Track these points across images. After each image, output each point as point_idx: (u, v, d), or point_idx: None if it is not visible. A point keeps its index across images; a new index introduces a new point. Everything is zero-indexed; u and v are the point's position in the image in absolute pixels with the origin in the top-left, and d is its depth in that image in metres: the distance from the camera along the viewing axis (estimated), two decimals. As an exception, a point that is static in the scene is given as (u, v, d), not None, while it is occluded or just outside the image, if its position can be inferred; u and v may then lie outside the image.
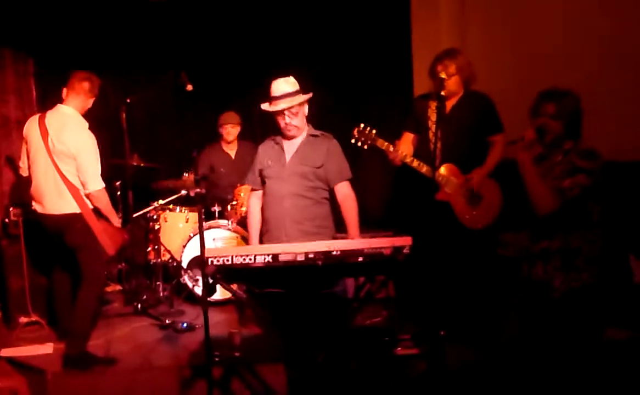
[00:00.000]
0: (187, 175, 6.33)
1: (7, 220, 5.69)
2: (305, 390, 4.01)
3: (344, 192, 4.31)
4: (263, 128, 7.53)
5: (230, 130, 6.59)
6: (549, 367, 3.50)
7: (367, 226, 4.29)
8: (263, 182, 4.42)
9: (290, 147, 4.34)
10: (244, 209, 6.01)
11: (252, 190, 4.53)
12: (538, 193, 3.46)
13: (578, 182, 3.37)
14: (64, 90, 4.79)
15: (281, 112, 4.21)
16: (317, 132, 4.40)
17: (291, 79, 4.29)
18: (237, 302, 5.51)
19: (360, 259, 3.33)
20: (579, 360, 3.45)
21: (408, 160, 4.58)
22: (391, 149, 4.58)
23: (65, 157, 4.64)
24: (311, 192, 4.28)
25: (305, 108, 4.32)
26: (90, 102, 4.87)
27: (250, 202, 4.52)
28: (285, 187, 4.25)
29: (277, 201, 4.27)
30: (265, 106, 4.30)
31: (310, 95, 4.30)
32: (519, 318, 3.67)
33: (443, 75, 4.45)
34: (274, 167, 4.33)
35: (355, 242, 3.65)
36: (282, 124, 4.28)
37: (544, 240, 3.54)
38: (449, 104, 4.66)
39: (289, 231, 4.18)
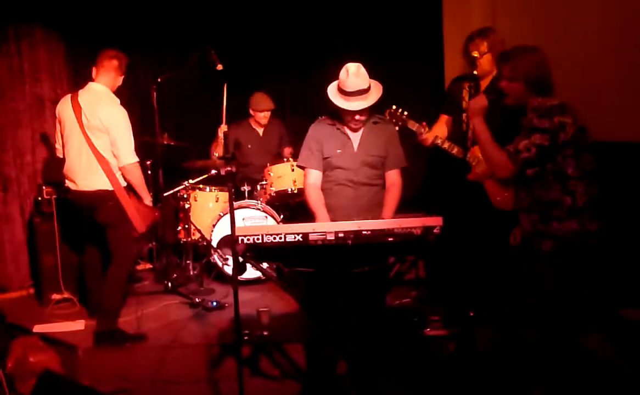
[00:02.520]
0: (216, 154, 6.34)
1: (40, 198, 5.79)
2: (327, 369, 4.01)
3: (394, 179, 4.24)
4: (293, 107, 7.55)
5: (266, 115, 6.59)
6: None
7: (400, 207, 4.25)
8: None
9: (354, 135, 4.19)
10: (273, 188, 6.01)
11: (308, 169, 4.26)
12: (492, 158, 3.43)
13: (534, 142, 3.26)
14: (94, 69, 4.82)
15: (352, 111, 4.06)
16: (377, 118, 4.28)
17: (362, 70, 4.06)
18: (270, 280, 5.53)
19: (391, 239, 3.30)
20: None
21: (438, 142, 4.54)
22: (422, 130, 4.54)
23: (99, 132, 4.67)
24: (378, 179, 4.22)
25: None
26: (120, 80, 4.89)
27: (310, 183, 4.24)
28: (355, 176, 4.16)
29: (345, 190, 4.17)
30: (334, 96, 4.08)
31: (381, 90, 4.09)
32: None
33: (475, 54, 4.39)
34: (342, 156, 4.17)
35: (385, 222, 3.62)
36: (350, 121, 4.12)
37: (518, 201, 3.52)
38: (483, 84, 4.58)
39: (358, 219, 3.94)
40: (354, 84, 4.00)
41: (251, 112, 6.59)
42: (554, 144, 3.25)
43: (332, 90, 4.11)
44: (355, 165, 4.16)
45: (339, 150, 4.17)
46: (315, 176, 4.23)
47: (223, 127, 6.20)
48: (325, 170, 4.23)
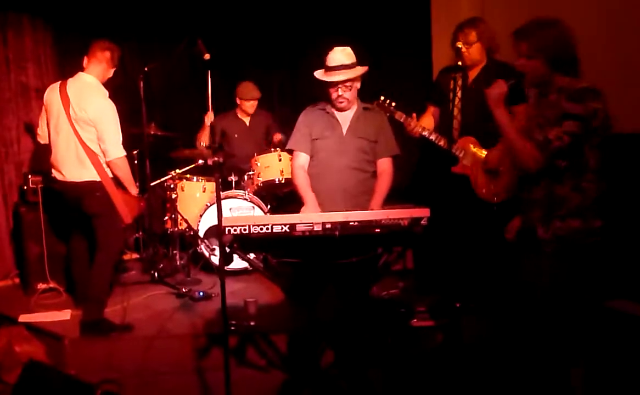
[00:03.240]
0: (202, 144, 6.34)
1: (25, 187, 5.75)
2: (313, 359, 4.03)
3: (385, 167, 4.29)
4: (281, 98, 7.54)
5: (253, 104, 6.59)
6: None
7: (389, 198, 4.26)
8: None
9: (344, 119, 4.26)
10: (260, 178, 6.00)
11: (296, 152, 4.33)
12: (517, 149, 3.13)
13: (566, 130, 2.97)
14: (85, 58, 4.79)
15: (334, 84, 4.13)
16: (368, 105, 4.34)
17: (348, 49, 4.18)
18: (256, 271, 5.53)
19: (378, 230, 3.31)
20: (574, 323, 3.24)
21: (425, 133, 4.55)
22: (409, 121, 4.54)
23: (86, 125, 4.64)
24: (368, 165, 4.25)
25: (359, 82, 4.22)
26: (110, 72, 4.87)
27: (298, 165, 4.31)
28: (343, 160, 4.20)
29: (332, 173, 4.21)
30: (319, 74, 4.19)
31: (366, 69, 4.19)
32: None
33: (459, 45, 4.41)
34: (331, 138, 4.23)
35: (373, 213, 3.63)
36: (333, 95, 4.18)
37: (527, 190, 3.26)
38: (471, 75, 4.57)
39: (344, 204, 4.09)
40: (336, 59, 4.11)
41: (238, 101, 6.59)
42: (585, 132, 3.00)
43: (318, 71, 4.20)
44: (344, 148, 4.20)
45: (327, 133, 4.22)
46: (303, 159, 4.30)
47: (210, 115, 6.21)
48: (313, 153, 4.28)
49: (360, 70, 4.16)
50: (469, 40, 4.47)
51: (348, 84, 4.14)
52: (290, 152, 4.43)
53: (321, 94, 4.22)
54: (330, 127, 4.25)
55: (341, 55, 4.13)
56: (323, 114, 4.29)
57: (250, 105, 6.57)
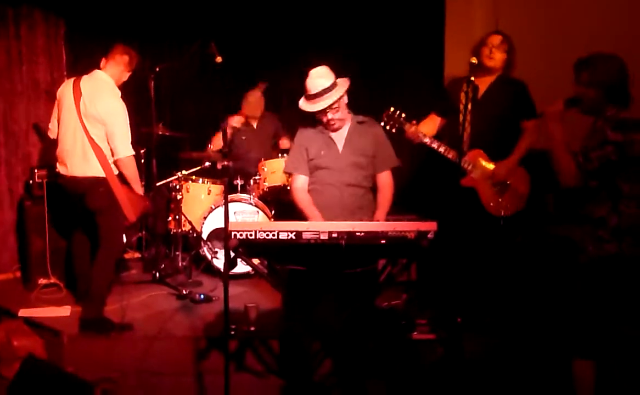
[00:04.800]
0: (210, 146, 6.33)
1: (31, 181, 5.74)
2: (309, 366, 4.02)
3: (386, 180, 4.27)
4: (290, 101, 7.53)
5: (255, 95, 6.59)
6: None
7: (393, 208, 4.25)
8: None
9: (338, 136, 4.23)
10: (266, 183, 5.99)
11: (295, 175, 4.32)
12: (561, 164, 3.35)
13: (604, 154, 3.21)
14: (103, 59, 4.84)
15: (322, 110, 4.10)
16: (362, 118, 4.30)
17: (325, 70, 4.13)
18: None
19: (384, 241, 3.30)
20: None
21: (426, 140, 4.55)
22: (408, 126, 4.54)
23: (95, 121, 4.65)
24: (365, 181, 4.23)
25: (345, 96, 4.17)
26: (126, 76, 4.92)
27: (298, 187, 4.29)
28: (341, 177, 4.17)
29: (331, 191, 4.18)
30: (303, 105, 4.15)
31: (347, 83, 4.14)
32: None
33: (474, 60, 4.41)
34: (327, 157, 4.20)
35: (380, 224, 3.62)
36: (324, 120, 4.15)
37: (580, 206, 3.46)
38: (482, 88, 4.57)
39: (342, 220, 3.96)
40: (315, 85, 4.07)
41: (243, 103, 6.59)
42: (622, 160, 3.21)
43: (301, 101, 4.18)
44: (341, 166, 4.18)
45: (323, 152, 4.20)
46: (302, 181, 4.30)
47: (236, 118, 6.23)
48: (311, 172, 4.27)
49: (342, 87, 4.11)
50: (502, 47, 4.51)
51: (335, 106, 4.09)
52: (289, 173, 4.42)
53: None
54: (326, 146, 4.22)
55: (320, 80, 4.08)
56: (317, 133, 4.26)
57: (254, 100, 6.57)
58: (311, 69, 4.19)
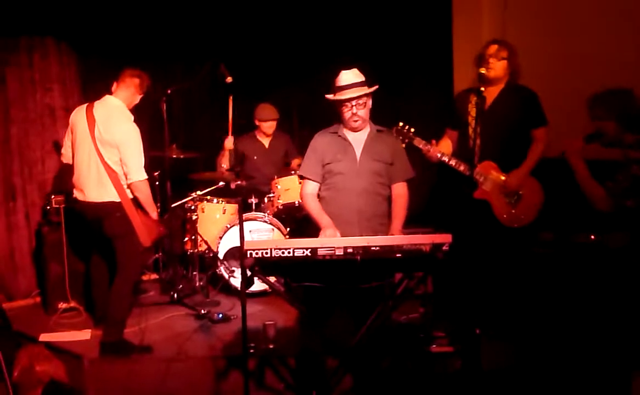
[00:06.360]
0: (223, 166, 6.37)
1: (48, 207, 5.81)
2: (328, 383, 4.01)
3: (401, 191, 4.23)
4: (301, 120, 7.57)
5: (271, 125, 6.62)
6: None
7: (406, 221, 4.25)
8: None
9: (357, 142, 4.20)
10: (280, 201, 6.02)
11: (306, 180, 4.29)
12: (591, 194, 3.72)
13: (631, 173, 3.48)
14: (115, 83, 4.88)
15: (348, 102, 4.08)
16: (381, 128, 4.29)
17: (356, 70, 4.16)
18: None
19: (399, 255, 3.31)
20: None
21: (445, 159, 4.55)
22: (428, 147, 4.54)
23: (110, 147, 4.70)
24: (382, 188, 4.19)
25: (370, 101, 4.17)
26: (137, 98, 4.96)
27: (308, 193, 4.26)
28: (358, 183, 4.12)
29: (348, 196, 4.13)
30: (330, 96, 4.16)
31: (376, 87, 4.15)
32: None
33: (482, 70, 4.43)
34: (344, 162, 4.16)
35: (394, 238, 3.61)
36: (347, 115, 4.12)
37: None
38: (490, 98, 4.57)
39: (359, 227, 4.06)
40: (346, 79, 4.09)
41: (257, 122, 6.64)
42: None
43: (329, 94, 4.19)
44: (358, 172, 4.14)
45: (339, 156, 4.17)
46: (312, 186, 4.26)
47: (230, 139, 6.25)
48: (327, 177, 4.23)
49: (371, 87, 4.13)
50: (500, 54, 4.50)
51: (362, 101, 4.08)
52: (302, 177, 4.40)
53: (334, 112, 4.20)
54: (343, 150, 4.18)
55: (350, 75, 4.11)
56: (335, 137, 4.23)
57: (269, 126, 6.60)
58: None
